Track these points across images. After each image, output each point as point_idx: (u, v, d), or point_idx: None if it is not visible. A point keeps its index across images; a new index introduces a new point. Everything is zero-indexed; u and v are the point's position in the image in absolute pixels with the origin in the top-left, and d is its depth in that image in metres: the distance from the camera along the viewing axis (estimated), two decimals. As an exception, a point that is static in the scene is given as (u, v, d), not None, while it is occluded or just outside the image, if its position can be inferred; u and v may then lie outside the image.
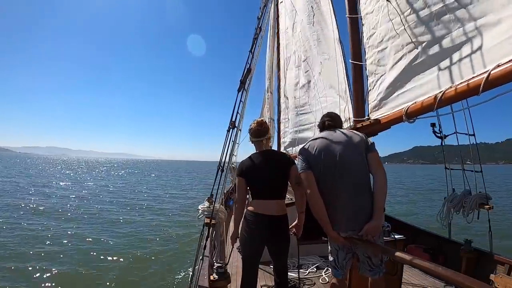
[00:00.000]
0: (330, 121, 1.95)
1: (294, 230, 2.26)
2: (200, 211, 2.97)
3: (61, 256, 6.56)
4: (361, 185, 1.74)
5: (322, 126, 1.99)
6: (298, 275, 2.75)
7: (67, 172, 42.37)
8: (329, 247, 1.94)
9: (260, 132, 2.23)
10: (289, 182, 2.20)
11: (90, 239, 7.94)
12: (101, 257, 6.56)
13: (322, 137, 1.88)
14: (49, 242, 7.56)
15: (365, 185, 1.76)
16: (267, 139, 2.27)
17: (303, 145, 1.97)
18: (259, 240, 2.16)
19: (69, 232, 8.60)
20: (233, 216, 2.36)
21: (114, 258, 6.51)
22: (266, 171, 2.13)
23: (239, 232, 2.25)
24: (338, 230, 1.76)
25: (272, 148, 2.47)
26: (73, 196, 16.42)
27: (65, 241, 7.67)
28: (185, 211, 12.98)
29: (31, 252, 6.68)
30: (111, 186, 23.45)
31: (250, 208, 2.17)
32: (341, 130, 1.96)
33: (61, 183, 23.82)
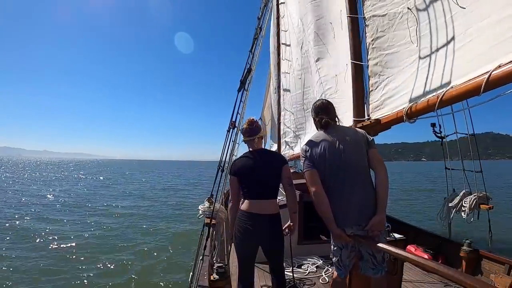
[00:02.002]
0: (329, 118, 1.91)
1: (287, 230, 2.27)
2: (200, 211, 2.97)
3: (59, 255, 6.57)
4: (363, 181, 1.77)
5: (320, 124, 1.94)
6: (293, 275, 2.75)
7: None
8: (332, 246, 1.92)
9: (251, 131, 2.25)
10: (281, 183, 2.21)
11: (87, 240, 7.94)
12: (100, 257, 6.55)
13: (325, 134, 1.88)
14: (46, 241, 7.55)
15: (367, 181, 1.79)
16: (259, 138, 2.29)
17: (305, 143, 1.95)
18: (253, 240, 2.15)
19: (65, 232, 8.61)
20: (228, 215, 2.37)
21: (114, 259, 6.51)
22: (258, 170, 2.13)
23: (233, 232, 2.25)
24: (343, 226, 1.76)
25: (266, 148, 2.48)
26: (63, 196, 16.41)
27: (62, 240, 7.68)
28: (185, 210, 12.98)
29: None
30: (96, 187, 23.41)
31: (243, 207, 2.16)
32: (342, 126, 1.98)
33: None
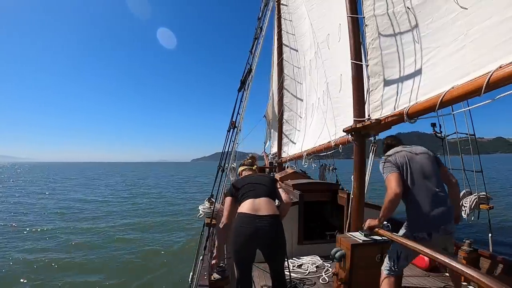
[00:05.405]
0: (394, 141, 2.27)
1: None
2: (200, 211, 2.97)
3: (56, 253, 6.58)
4: (440, 191, 1.96)
5: (387, 146, 2.27)
6: (290, 275, 2.72)
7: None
8: (392, 249, 2.03)
9: (252, 163, 2.79)
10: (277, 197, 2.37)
11: (88, 241, 7.95)
12: (100, 257, 6.56)
13: (403, 148, 2.13)
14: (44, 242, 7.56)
15: (444, 192, 1.99)
16: (253, 169, 2.78)
17: (388, 154, 2.15)
18: (252, 243, 2.09)
19: (64, 236, 8.62)
20: (218, 235, 2.54)
21: (113, 259, 6.51)
22: (254, 180, 2.35)
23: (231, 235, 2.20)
24: (421, 231, 1.91)
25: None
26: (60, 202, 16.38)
27: (60, 241, 7.69)
28: (184, 210, 12.98)
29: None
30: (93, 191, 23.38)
31: (241, 210, 2.14)
32: (415, 146, 2.19)
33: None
